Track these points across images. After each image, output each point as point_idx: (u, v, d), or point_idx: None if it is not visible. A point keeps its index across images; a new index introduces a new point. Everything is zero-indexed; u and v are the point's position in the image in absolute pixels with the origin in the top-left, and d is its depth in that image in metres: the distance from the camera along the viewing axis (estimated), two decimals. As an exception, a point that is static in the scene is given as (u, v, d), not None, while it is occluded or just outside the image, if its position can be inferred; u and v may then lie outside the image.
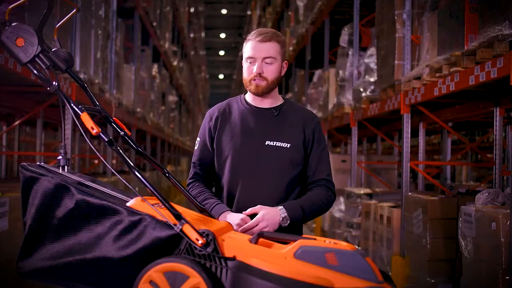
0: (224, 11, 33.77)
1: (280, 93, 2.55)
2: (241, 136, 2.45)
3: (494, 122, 4.96)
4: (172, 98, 15.42)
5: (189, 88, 22.09)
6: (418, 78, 4.67)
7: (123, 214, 1.97)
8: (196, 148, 2.54)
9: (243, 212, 2.32)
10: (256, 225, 2.27)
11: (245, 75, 2.46)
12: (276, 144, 2.43)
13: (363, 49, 6.97)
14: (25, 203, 2.03)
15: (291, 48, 12.22)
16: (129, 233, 1.95)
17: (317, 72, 9.65)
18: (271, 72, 2.43)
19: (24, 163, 2.10)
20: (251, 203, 2.36)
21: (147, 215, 1.98)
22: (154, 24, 10.59)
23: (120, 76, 7.72)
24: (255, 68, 2.41)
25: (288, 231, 2.32)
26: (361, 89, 6.41)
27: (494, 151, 4.96)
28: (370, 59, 6.39)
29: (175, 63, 15.31)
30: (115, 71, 7.21)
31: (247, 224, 2.27)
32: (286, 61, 2.50)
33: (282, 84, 14.57)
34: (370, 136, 10.16)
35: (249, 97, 2.52)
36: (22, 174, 2.06)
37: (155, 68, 11.81)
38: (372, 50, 6.40)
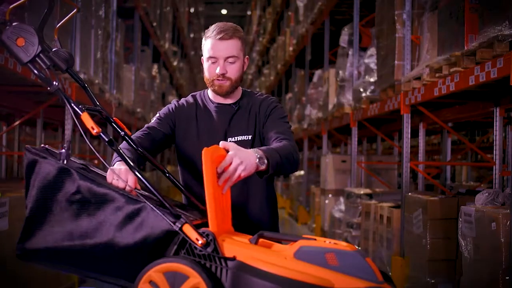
0: (224, 11, 33.76)
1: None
2: (204, 134, 2.43)
3: (494, 122, 4.96)
4: (172, 98, 15.41)
5: (189, 88, 22.09)
6: (418, 78, 4.67)
7: (124, 201, 1.96)
8: (153, 120, 2.46)
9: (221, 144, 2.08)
10: (230, 163, 1.99)
11: (207, 75, 2.39)
12: (238, 139, 2.40)
13: (363, 49, 6.97)
14: (28, 186, 2.03)
15: (291, 48, 12.23)
16: (131, 221, 1.95)
17: (317, 72, 9.65)
18: (235, 71, 2.37)
19: (29, 146, 2.10)
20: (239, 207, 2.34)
21: (147, 203, 1.96)
22: (154, 24, 10.59)
23: (120, 76, 7.72)
24: (218, 69, 2.35)
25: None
26: (361, 89, 6.41)
27: (494, 151, 4.96)
28: (370, 59, 6.39)
29: (175, 63, 15.32)
30: (115, 71, 7.22)
31: (220, 166, 2.00)
32: (247, 56, 2.44)
33: (282, 84, 14.56)
34: (370, 136, 10.16)
35: (211, 94, 2.49)
36: (26, 156, 2.06)
37: (155, 68, 11.81)
38: (372, 50, 6.40)
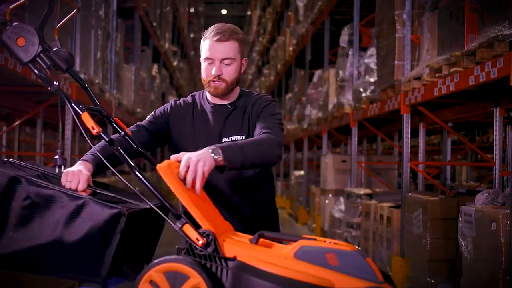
0: (224, 11, 33.77)
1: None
2: (200, 135, 2.44)
3: (494, 122, 4.96)
4: (172, 98, 15.40)
5: (189, 88, 22.09)
6: (418, 78, 4.68)
7: (68, 199, 2.01)
8: (146, 119, 2.49)
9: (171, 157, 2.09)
10: (188, 165, 1.99)
11: (204, 75, 2.40)
12: (232, 139, 2.40)
13: (363, 49, 6.97)
14: None
15: (291, 48, 12.23)
16: (76, 217, 1.99)
17: (317, 72, 9.65)
18: (230, 73, 2.37)
19: None
20: (216, 201, 2.31)
21: (89, 198, 2.00)
22: (154, 24, 10.59)
23: (120, 76, 7.72)
24: (213, 70, 2.35)
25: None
26: (361, 89, 6.41)
27: (494, 151, 4.96)
28: (370, 59, 6.39)
29: (175, 63, 15.32)
30: (115, 71, 7.22)
31: (180, 172, 2.00)
32: (245, 58, 2.44)
33: (282, 84, 14.56)
34: (370, 136, 10.17)
35: (209, 94, 2.49)
36: None
37: (155, 68, 11.82)
38: (372, 50, 6.41)
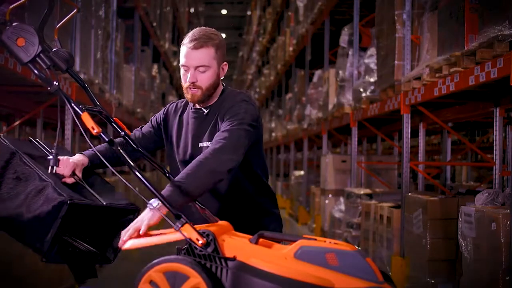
0: (224, 12, 33.75)
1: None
2: (181, 140, 2.46)
3: (494, 122, 4.96)
4: (172, 98, 15.41)
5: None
6: (418, 78, 4.68)
7: (37, 179, 2.20)
8: (148, 123, 2.59)
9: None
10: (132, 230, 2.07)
11: (182, 81, 2.40)
12: (205, 145, 2.39)
13: (363, 49, 6.97)
14: None
15: (291, 49, 12.22)
16: (39, 195, 2.17)
17: (317, 72, 9.65)
18: (205, 80, 2.35)
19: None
20: (205, 203, 2.33)
21: (51, 182, 2.17)
22: (154, 24, 10.59)
23: (120, 76, 7.72)
24: (188, 77, 2.35)
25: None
26: (361, 89, 6.41)
27: (494, 151, 4.96)
28: (370, 59, 6.39)
29: (175, 63, 15.31)
30: (115, 71, 7.22)
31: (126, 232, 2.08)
32: (225, 63, 2.41)
33: (282, 84, 14.55)
34: (370, 136, 10.16)
35: None
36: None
37: (155, 68, 11.82)
38: (372, 50, 6.41)
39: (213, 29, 2.42)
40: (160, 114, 2.57)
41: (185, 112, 2.51)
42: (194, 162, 2.16)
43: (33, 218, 2.15)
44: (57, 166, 2.26)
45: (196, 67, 2.33)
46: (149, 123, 2.59)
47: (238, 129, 2.25)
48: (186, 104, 2.53)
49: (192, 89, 2.36)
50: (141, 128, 2.60)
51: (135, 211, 2.28)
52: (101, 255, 2.32)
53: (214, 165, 2.14)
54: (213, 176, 2.14)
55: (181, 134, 2.48)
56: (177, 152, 2.48)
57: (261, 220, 2.50)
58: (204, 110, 2.43)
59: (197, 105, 2.45)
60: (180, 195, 2.06)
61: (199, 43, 2.32)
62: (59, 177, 2.28)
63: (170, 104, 2.58)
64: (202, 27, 2.42)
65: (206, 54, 2.33)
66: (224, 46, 2.41)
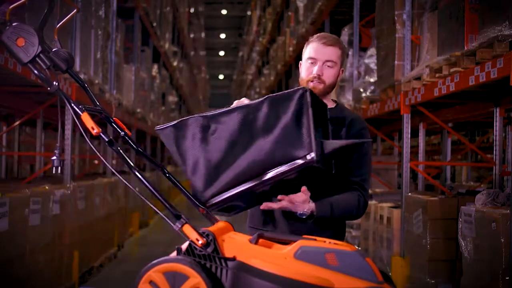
0: (224, 12, 33.78)
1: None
2: None
3: (494, 122, 4.96)
4: (172, 98, 15.42)
5: (189, 89, 22.09)
6: (418, 78, 4.68)
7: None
8: None
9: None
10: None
11: (303, 75, 2.46)
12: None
13: (363, 49, 6.97)
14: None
15: (291, 49, 12.22)
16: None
17: (317, 73, 9.64)
18: (330, 76, 2.43)
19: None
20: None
21: None
22: (154, 24, 10.59)
23: (120, 76, 7.72)
24: (315, 70, 2.41)
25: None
26: (361, 90, 6.42)
27: (494, 151, 4.96)
28: (370, 59, 6.39)
29: (175, 63, 15.32)
30: (115, 71, 7.22)
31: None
32: (342, 69, 2.49)
33: (282, 84, 14.56)
34: (370, 136, 10.14)
35: None
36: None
37: (155, 69, 11.81)
38: (372, 51, 6.41)
39: None
40: None
41: None
42: (350, 198, 2.34)
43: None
44: (62, 167, 2.19)
45: (325, 62, 2.41)
46: None
47: (369, 177, 2.46)
48: None
49: (315, 81, 2.41)
50: None
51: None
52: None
53: (355, 216, 2.40)
54: (348, 216, 2.40)
55: None
56: None
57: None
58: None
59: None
60: (325, 213, 2.27)
61: (330, 41, 2.43)
62: None
63: None
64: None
65: (335, 52, 2.43)
66: (346, 53, 2.51)
